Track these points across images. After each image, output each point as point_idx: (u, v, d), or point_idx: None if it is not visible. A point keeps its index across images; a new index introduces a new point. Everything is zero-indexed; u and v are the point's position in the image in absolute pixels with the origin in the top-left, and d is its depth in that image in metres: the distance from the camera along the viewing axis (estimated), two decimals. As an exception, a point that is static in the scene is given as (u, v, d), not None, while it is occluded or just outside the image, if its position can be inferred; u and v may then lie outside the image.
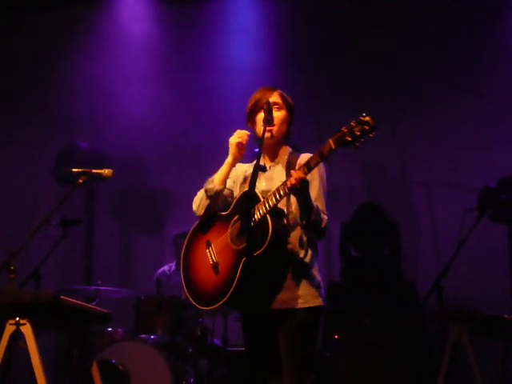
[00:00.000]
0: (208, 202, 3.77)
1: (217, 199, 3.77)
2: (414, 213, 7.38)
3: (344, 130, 3.35)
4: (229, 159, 3.79)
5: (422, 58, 7.49)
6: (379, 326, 6.15)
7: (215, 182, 3.77)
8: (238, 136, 3.78)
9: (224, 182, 3.79)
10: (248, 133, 3.78)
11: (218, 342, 6.20)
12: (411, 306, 6.22)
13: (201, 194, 3.82)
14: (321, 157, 3.44)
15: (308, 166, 3.46)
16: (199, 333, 5.98)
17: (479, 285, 6.72)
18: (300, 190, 3.46)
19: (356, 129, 3.32)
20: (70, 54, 7.86)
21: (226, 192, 3.83)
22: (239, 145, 3.77)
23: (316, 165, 3.46)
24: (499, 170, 6.61)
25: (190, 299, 3.74)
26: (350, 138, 3.33)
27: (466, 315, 4.77)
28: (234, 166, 3.84)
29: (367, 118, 3.32)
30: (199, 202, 3.81)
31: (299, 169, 3.48)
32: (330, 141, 3.39)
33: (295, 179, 3.42)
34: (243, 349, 5.77)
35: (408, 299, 6.34)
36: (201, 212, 3.80)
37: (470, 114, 7.30)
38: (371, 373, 5.96)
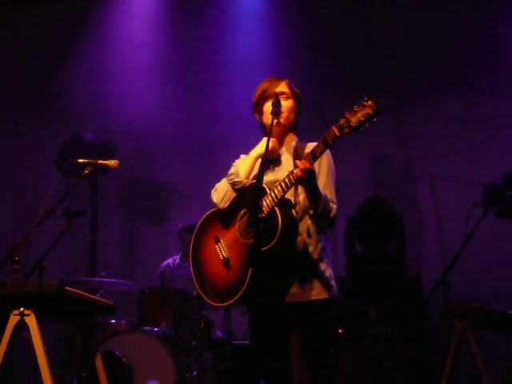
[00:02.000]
0: (234, 194, 3.70)
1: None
2: (419, 207, 7.37)
3: (347, 115, 3.31)
4: (256, 152, 3.74)
5: (428, 53, 7.48)
6: (384, 321, 6.13)
7: (242, 175, 3.71)
8: (275, 143, 3.73)
9: (249, 174, 3.73)
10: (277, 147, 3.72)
11: (221, 335, 6.19)
12: (416, 301, 6.20)
13: (225, 186, 3.74)
14: (325, 145, 3.39)
15: (313, 155, 3.42)
16: (203, 326, 5.96)
17: (484, 280, 6.71)
18: (307, 180, 3.41)
19: (359, 114, 3.28)
20: (75, 45, 7.86)
21: None
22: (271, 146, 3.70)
23: (321, 153, 3.42)
24: (505, 166, 6.59)
25: (203, 296, 3.69)
26: (353, 124, 3.29)
27: (471, 310, 4.76)
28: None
29: (370, 103, 3.28)
30: (223, 194, 3.72)
31: (304, 158, 3.43)
32: (334, 128, 3.34)
33: (301, 170, 3.37)
34: (247, 342, 5.81)
35: (413, 294, 6.31)
36: (224, 205, 3.72)
37: (476, 110, 7.29)
38: (375, 367, 5.95)
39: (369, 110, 3.27)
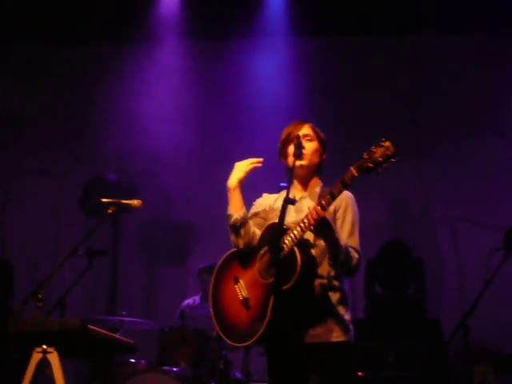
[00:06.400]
0: (240, 232, 3.69)
1: (247, 225, 3.70)
2: (439, 251, 7.36)
3: (365, 156, 3.31)
4: (233, 183, 3.78)
5: (447, 97, 7.54)
6: (403, 364, 6.09)
7: (232, 213, 3.71)
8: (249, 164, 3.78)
9: (240, 207, 3.72)
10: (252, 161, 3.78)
11: (240, 375, 6.17)
12: (435, 345, 6.17)
13: (231, 233, 3.75)
14: (344, 185, 3.38)
15: (332, 195, 3.41)
16: (222, 366, 5.95)
17: (505, 325, 6.66)
18: (320, 229, 3.41)
19: (377, 155, 3.28)
20: (97, 87, 7.95)
21: (259, 220, 3.80)
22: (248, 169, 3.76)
23: (339, 193, 3.41)
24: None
25: (223, 336, 3.66)
26: (371, 165, 3.29)
27: (492, 355, 4.72)
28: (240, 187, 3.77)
29: (387, 143, 3.28)
30: (233, 238, 3.73)
31: (324, 199, 3.41)
32: (352, 168, 3.34)
33: (313, 219, 3.37)
34: (265, 383, 5.77)
35: (432, 338, 6.28)
36: (241, 245, 3.71)
37: (495, 154, 7.32)
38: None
39: (386, 151, 3.28)
